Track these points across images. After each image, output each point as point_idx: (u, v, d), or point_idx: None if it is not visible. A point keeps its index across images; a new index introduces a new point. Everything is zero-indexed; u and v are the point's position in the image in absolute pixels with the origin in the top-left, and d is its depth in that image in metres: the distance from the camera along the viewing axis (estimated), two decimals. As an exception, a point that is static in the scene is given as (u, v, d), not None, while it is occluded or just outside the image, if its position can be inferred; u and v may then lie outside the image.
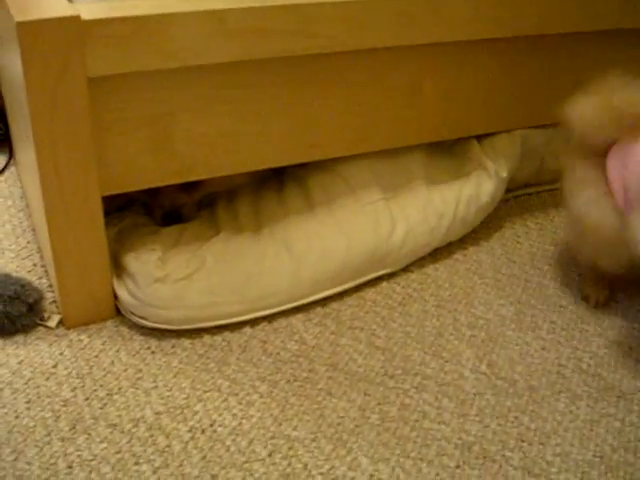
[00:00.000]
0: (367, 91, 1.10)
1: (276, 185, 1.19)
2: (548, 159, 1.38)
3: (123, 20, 0.87)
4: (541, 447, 0.88)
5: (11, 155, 1.45)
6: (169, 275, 1.00)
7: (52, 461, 0.83)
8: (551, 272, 1.20)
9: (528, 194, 1.41)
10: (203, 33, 0.91)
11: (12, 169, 1.42)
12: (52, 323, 1.02)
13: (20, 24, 0.82)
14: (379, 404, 0.93)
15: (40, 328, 1.01)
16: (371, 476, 0.83)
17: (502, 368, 1.00)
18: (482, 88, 1.21)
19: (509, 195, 1.37)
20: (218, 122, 1.01)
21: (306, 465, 0.84)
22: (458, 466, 0.85)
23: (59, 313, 1.03)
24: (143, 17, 0.87)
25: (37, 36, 0.83)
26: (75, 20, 0.84)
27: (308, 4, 0.96)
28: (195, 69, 0.95)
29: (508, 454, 0.87)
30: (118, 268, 1.04)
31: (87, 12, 0.85)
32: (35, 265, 1.13)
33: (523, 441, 0.89)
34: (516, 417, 0.92)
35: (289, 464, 0.84)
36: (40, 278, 1.10)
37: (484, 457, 0.86)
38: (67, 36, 0.84)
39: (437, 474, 0.84)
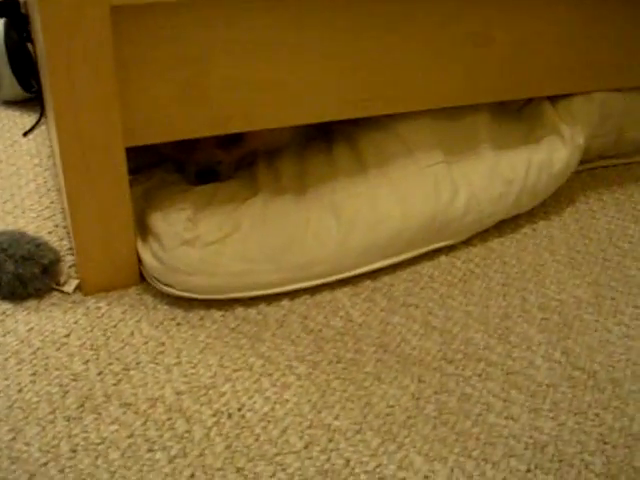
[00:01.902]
0: (430, 39, 0.98)
1: (324, 144, 1.09)
2: (628, 128, 1.23)
3: None
4: (627, 451, 0.75)
5: (42, 114, 1.38)
6: (199, 237, 0.90)
7: (54, 443, 0.73)
8: (633, 251, 1.06)
9: (604, 167, 1.27)
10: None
11: (42, 128, 1.35)
12: (69, 288, 0.93)
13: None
14: (436, 393, 0.81)
15: (55, 293, 0.93)
16: (425, 477, 0.72)
17: (579, 357, 0.87)
18: (559, 43, 1.08)
19: (583, 167, 1.23)
20: (260, 67, 0.90)
21: (348, 461, 0.73)
22: (529, 470, 0.73)
23: (78, 278, 0.94)
24: None
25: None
26: None
27: None
28: (237, 4, 0.84)
29: (588, 458, 0.74)
30: (143, 229, 0.94)
31: None
32: (57, 226, 1.05)
33: (606, 443, 0.76)
34: (597, 414, 0.79)
35: (328, 459, 0.73)
36: (61, 239, 1.02)
37: (560, 460, 0.74)
38: (87, -45, 0.74)
39: (504, 478, 0.72)
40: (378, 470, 0.72)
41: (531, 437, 0.76)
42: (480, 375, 0.83)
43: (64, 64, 0.79)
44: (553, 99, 1.16)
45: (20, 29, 1.42)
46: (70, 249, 0.99)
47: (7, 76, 1.39)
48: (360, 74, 0.96)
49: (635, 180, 1.24)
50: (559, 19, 1.05)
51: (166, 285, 0.91)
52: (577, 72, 1.13)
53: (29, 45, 1.41)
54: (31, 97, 1.43)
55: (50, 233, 1.03)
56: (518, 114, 1.18)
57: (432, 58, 1.00)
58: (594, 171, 1.26)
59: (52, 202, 1.10)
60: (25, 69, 1.41)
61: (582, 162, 1.20)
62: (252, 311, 0.91)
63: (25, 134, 1.32)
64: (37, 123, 1.36)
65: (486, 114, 1.12)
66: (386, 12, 0.93)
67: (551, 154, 1.10)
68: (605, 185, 1.22)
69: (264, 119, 0.95)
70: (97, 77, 0.80)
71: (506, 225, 1.09)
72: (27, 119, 1.37)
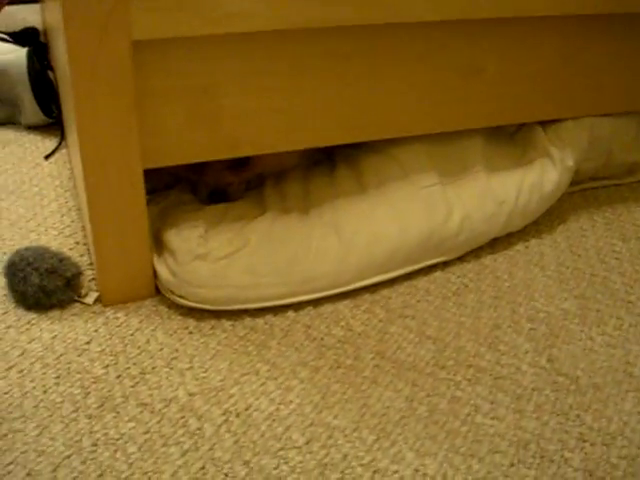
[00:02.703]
0: (426, 68, 1.04)
1: (327, 167, 1.14)
2: (617, 151, 1.29)
3: (170, -21, 0.82)
4: (605, 448, 0.81)
5: (62, 138, 1.43)
6: (210, 253, 0.96)
7: (77, 438, 0.79)
8: (619, 267, 1.12)
9: (594, 188, 1.33)
10: (253, -3, 0.87)
11: (63, 151, 1.40)
12: (89, 300, 0.98)
13: (61, -21, 0.78)
14: (428, 395, 0.86)
15: (77, 304, 0.98)
16: (416, 471, 0.77)
17: (563, 364, 0.92)
18: (550, 70, 1.13)
19: (574, 188, 1.29)
20: (268, 96, 0.96)
21: (346, 455, 0.78)
22: (512, 464, 0.78)
23: (97, 290, 0.99)
24: (190, -24, 0.83)
25: (79, -7, 0.79)
26: (119, -23, 0.80)
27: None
28: (245, 37, 0.90)
29: (568, 454, 0.80)
30: (159, 245, 1.00)
31: (132, -31, 0.81)
32: (77, 243, 1.10)
33: (585, 441, 0.81)
34: (578, 415, 0.85)
35: (327, 454, 0.78)
36: (81, 255, 1.07)
37: (541, 456, 0.79)
38: (110, -6, 0.80)
39: (489, 472, 0.77)
40: (373, 464, 0.77)
41: (515, 435, 0.82)
42: (470, 380, 0.89)
43: (88, 93, 0.84)
44: (544, 124, 1.22)
45: (41, 57, 1.48)
46: (90, 264, 1.04)
47: (30, 103, 1.44)
48: (359, 102, 1.01)
49: (624, 200, 1.30)
50: (548, 48, 1.11)
51: (180, 297, 0.96)
52: (566, 98, 1.18)
53: (50, 73, 1.48)
54: (52, 122, 1.49)
55: (71, 249, 1.08)
56: (511, 138, 1.23)
57: (426, 87, 1.05)
58: (585, 192, 1.32)
59: (73, 221, 1.15)
60: (46, 95, 1.47)
61: (573, 183, 1.25)
62: (259, 321, 0.97)
63: (47, 157, 1.37)
64: (58, 147, 1.40)
65: (480, 138, 1.18)
66: (384, 44, 0.98)
67: (542, 176, 1.15)
68: (595, 205, 1.28)
69: (271, 144, 1.00)
70: (118, 105, 0.86)
71: (499, 242, 1.14)
72: (48, 143, 1.42)
